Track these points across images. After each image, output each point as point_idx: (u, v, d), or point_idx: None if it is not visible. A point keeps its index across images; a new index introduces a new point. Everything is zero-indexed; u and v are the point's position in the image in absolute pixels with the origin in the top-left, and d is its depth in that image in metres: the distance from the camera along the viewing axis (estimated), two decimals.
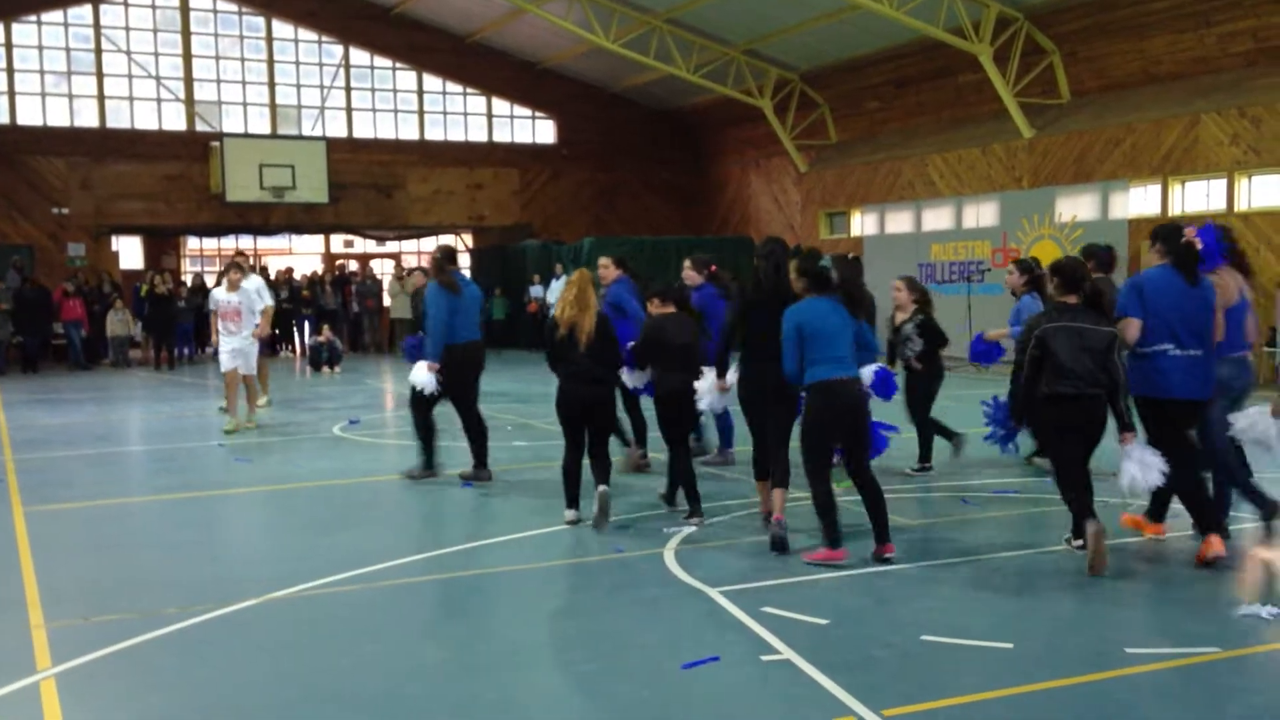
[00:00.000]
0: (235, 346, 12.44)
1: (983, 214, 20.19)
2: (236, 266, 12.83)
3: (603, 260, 10.07)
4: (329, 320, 23.74)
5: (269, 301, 13.45)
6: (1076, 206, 18.37)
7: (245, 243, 29.45)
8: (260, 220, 26.48)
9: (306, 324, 24.49)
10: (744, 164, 28.02)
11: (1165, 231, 6.77)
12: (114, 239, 26.91)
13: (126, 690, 4.88)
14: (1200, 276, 6.61)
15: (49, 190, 24.78)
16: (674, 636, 5.37)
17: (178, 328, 22.47)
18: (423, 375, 8.98)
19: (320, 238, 29.38)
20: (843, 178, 23.92)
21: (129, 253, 28.48)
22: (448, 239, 30.73)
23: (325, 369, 20.64)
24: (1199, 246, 6.65)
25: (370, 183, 27.25)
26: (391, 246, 29.68)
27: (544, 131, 29.40)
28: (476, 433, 9.15)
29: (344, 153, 26.58)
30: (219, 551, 7.39)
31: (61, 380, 19.85)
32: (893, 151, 22.50)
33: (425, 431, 9.27)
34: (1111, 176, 17.94)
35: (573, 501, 7.63)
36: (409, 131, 28.13)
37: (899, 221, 22.12)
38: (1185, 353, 6.48)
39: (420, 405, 9.18)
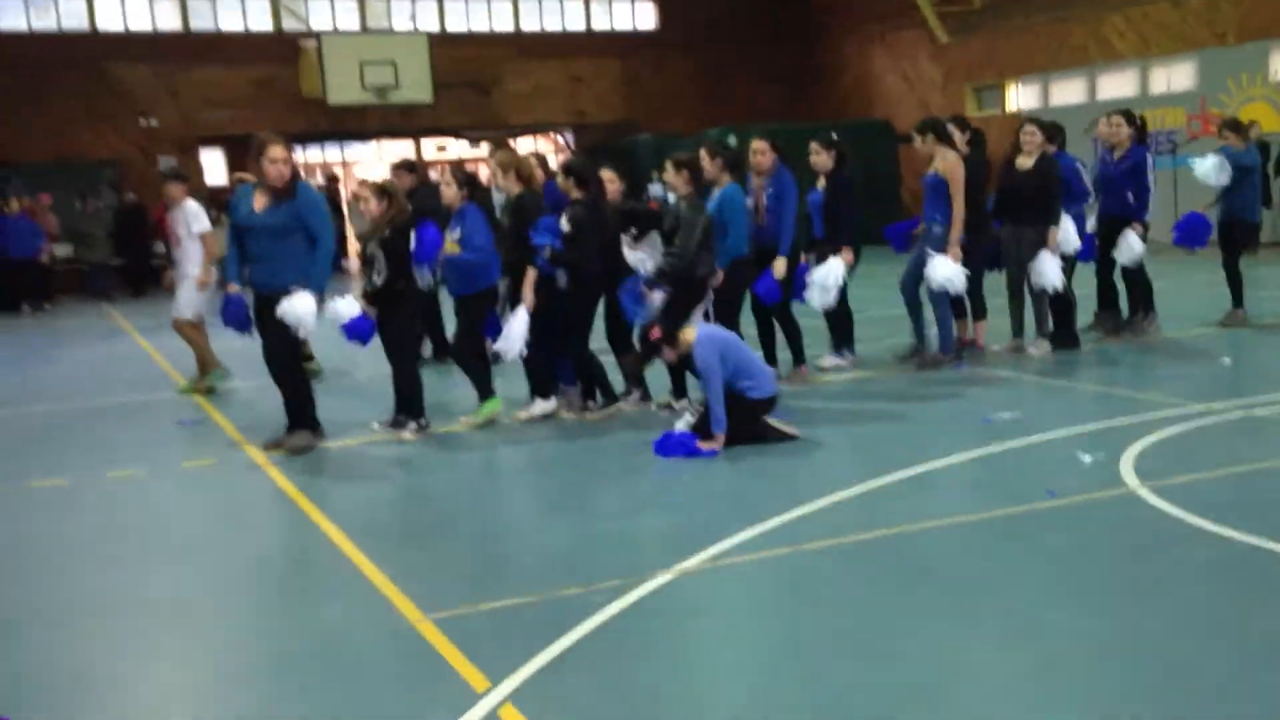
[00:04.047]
0: None
1: (1176, 77, 18.18)
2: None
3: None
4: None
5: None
6: None
7: (333, 153, 28.03)
8: (356, 125, 24.79)
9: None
10: (865, 39, 25.89)
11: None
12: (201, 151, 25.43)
13: (599, 702, 3.48)
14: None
15: (134, 100, 23.20)
16: None
17: None
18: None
19: (411, 143, 27.70)
20: (993, 46, 21.83)
21: (212, 166, 27.02)
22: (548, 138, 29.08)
23: None
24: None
25: (466, 81, 25.37)
26: (485, 149, 27.96)
27: (644, 16, 27.37)
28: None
29: (437, 48, 24.72)
30: (557, 509, 5.95)
31: None
32: (1058, 12, 20.36)
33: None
34: None
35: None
36: (504, 23, 26.22)
37: (1068, 91, 20.13)
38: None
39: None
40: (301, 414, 7.16)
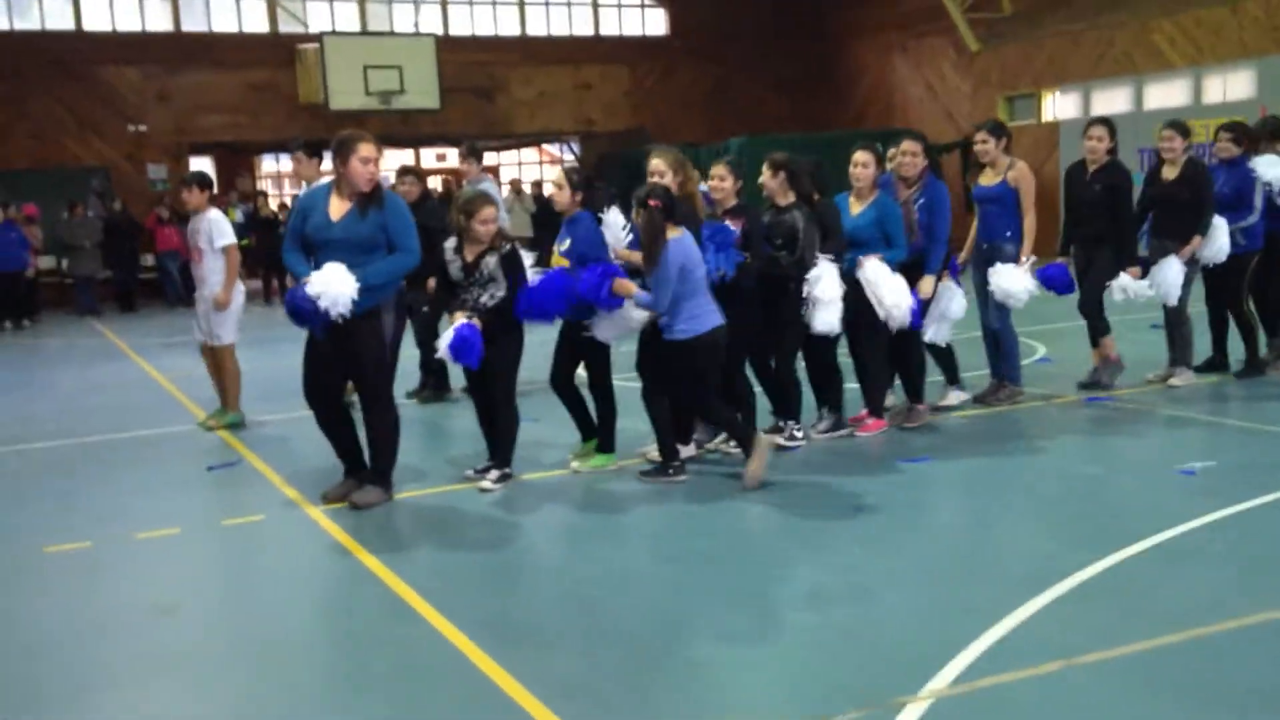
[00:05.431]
0: None
1: (1233, 86, 17.31)
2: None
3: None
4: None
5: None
6: None
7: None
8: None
9: None
10: (883, 47, 24.98)
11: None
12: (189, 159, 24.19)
13: None
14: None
15: (123, 105, 21.95)
16: None
17: None
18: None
19: (411, 153, 26.56)
20: (1029, 54, 20.92)
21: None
22: (553, 148, 28.12)
23: None
24: None
25: (469, 86, 24.25)
26: (489, 159, 26.82)
27: (654, 22, 26.35)
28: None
29: (440, 53, 23.60)
30: (721, 594, 4.82)
31: (174, 319, 17.30)
32: (1099, 19, 19.48)
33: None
34: None
35: None
36: (509, 26, 25.13)
37: (1111, 101, 19.21)
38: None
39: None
40: (380, 464, 6.04)
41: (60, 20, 21.58)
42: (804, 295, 6.43)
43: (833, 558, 4.93)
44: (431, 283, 8.33)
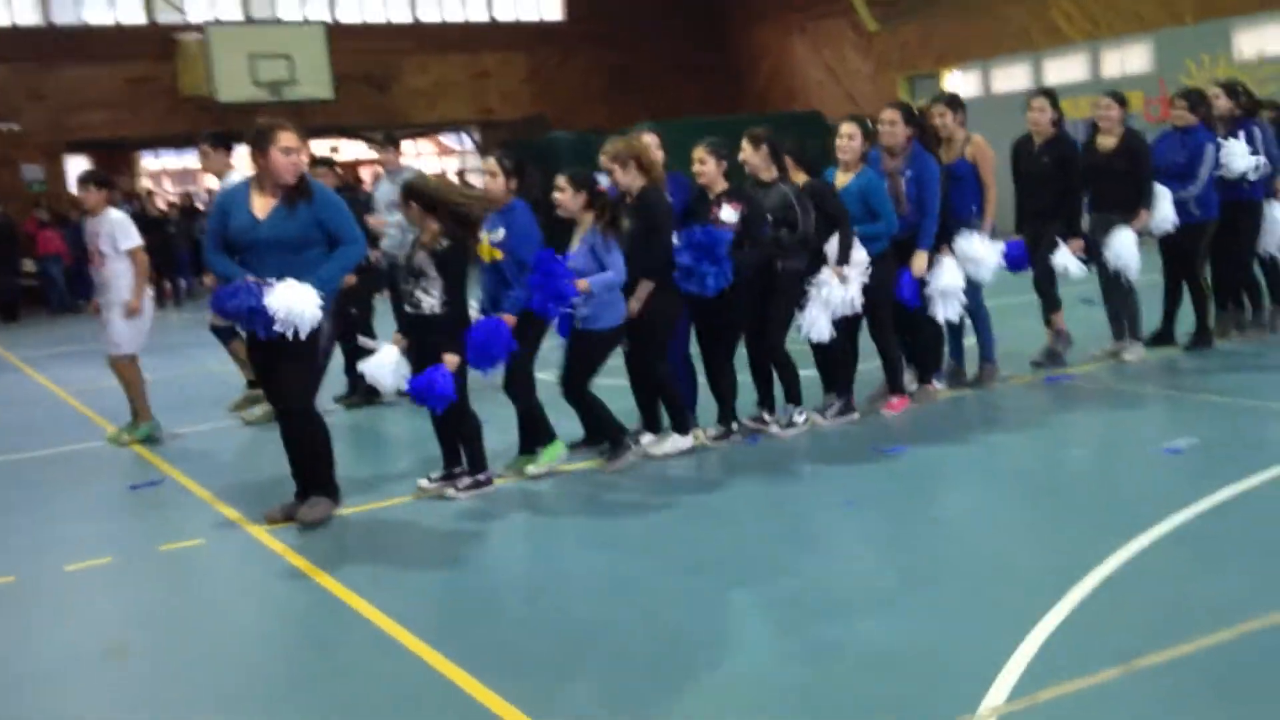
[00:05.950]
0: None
1: (1130, 59, 17.60)
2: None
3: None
4: None
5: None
6: (1263, 40, 15.85)
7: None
8: (243, 126, 22.54)
9: None
10: (783, 30, 24.93)
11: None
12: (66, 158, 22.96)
13: None
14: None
15: None
16: None
17: (178, 256, 19.02)
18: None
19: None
20: (927, 33, 21.04)
21: (76, 173, 24.56)
22: (450, 140, 27.53)
23: None
24: None
25: (361, 76, 23.44)
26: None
27: (549, 6, 25.87)
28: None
29: (331, 41, 22.76)
30: (735, 606, 4.46)
31: (60, 328, 16.34)
32: None
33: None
34: None
35: None
36: (400, 13, 24.40)
37: (1010, 78, 19.42)
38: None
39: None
40: (320, 476, 5.59)
41: None
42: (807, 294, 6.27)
43: (842, 561, 4.66)
44: (350, 279, 7.88)
